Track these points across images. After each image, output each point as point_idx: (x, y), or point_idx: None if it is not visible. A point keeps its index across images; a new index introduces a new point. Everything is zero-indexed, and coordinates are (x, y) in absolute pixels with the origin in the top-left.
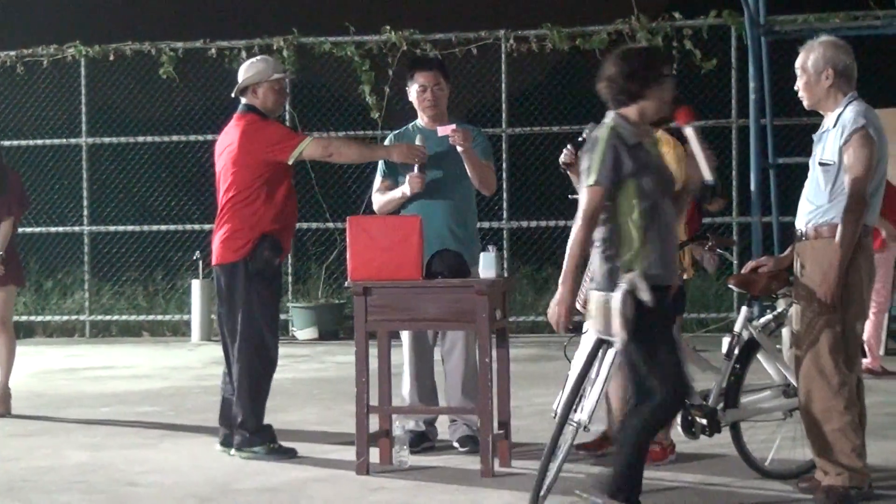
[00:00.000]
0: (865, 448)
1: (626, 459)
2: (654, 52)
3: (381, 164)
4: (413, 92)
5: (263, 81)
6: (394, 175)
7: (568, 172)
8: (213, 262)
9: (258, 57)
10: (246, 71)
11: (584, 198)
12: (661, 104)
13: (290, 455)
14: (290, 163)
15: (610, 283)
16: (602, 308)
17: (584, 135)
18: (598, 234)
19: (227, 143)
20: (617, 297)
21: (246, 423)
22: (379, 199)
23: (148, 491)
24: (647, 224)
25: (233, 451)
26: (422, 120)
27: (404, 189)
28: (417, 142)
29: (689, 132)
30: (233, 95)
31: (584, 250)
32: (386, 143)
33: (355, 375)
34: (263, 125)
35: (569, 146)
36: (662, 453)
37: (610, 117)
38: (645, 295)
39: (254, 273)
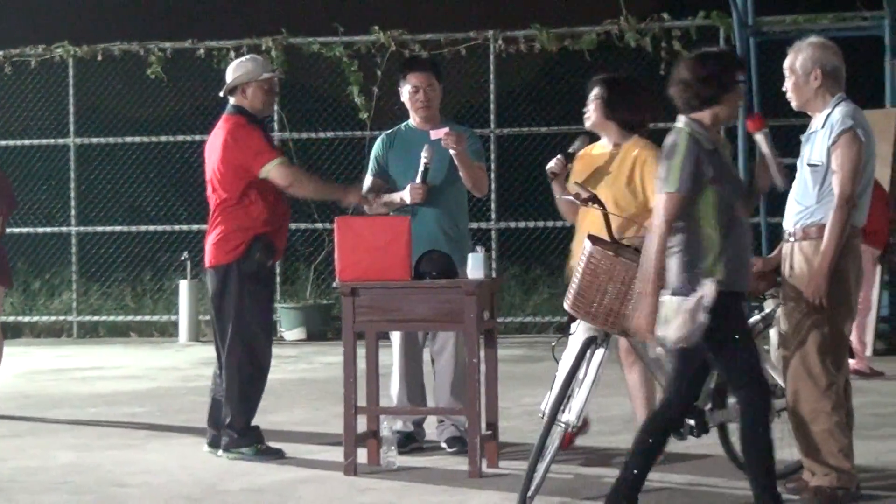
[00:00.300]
0: (853, 449)
1: (760, 468)
2: (729, 57)
3: (371, 163)
4: (405, 93)
5: (252, 81)
6: (383, 176)
7: (553, 183)
8: (206, 264)
9: (247, 56)
10: (234, 70)
11: (662, 205)
12: (734, 110)
13: (277, 456)
14: (260, 178)
15: (688, 289)
16: (679, 313)
17: (574, 147)
18: (676, 240)
19: (214, 145)
20: (693, 303)
21: (233, 425)
22: (372, 198)
23: (135, 491)
24: (726, 230)
25: (220, 452)
26: (414, 121)
27: (404, 196)
28: (424, 152)
29: (759, 138)
30: (221, 95)
31: (664, 257)
32: (377, 143)
33: (343, 376)
34: (247, 131)
35: (560, 156)
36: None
37: (683, 122)
38: (710, 302)
39: (246, 275)
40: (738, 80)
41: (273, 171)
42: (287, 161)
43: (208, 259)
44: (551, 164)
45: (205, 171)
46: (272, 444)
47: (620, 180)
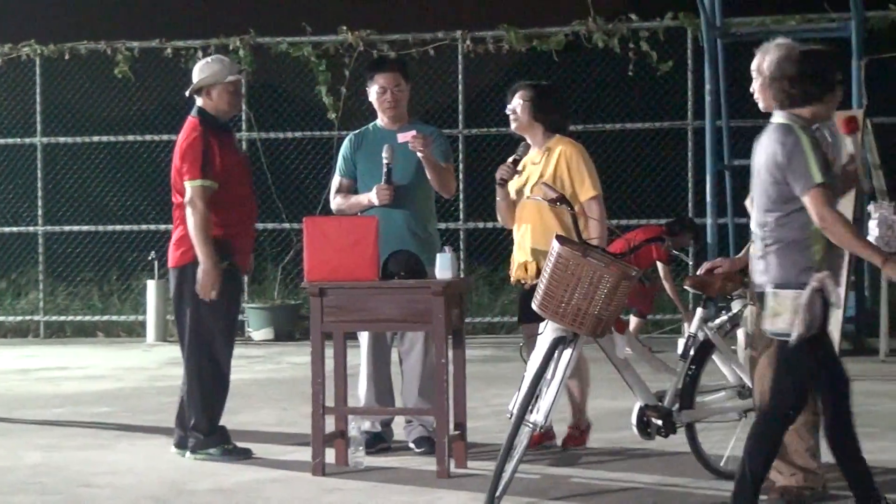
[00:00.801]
0: (820, 449)
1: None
2: (834, 55)
3: (339, 163)
4: (373, 93)
5: (217, 83)
6: (351, 176)
7: (499, 188)
8: (168, 264)
9: (213, 57)
10: (200, 71)
11: (818, 200)
12: (831, 110)
13: (245, 456)
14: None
15: (799, 283)
16: (793, 307)
17: (519, 152)
18: (789, 233)
19: (175, 146)
20: (809, 295)
21: (198, 426)
22: (340, 201)
23: (103, 492)
24: None
25: (187, 453)
26: (382, 121)
27: (371, 198)
28: (384, 152)
29: (850, 141)
30: (187, 95)
31: (862, 236)
32: (345, 143)
33: (311, 376)
34: (193, 138)
35: (509, 162)
36: (582, 438)
37: (788, 118)
38: (833, 295)
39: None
40: (839, 80)
41: (191, 189)
42: (207, 189)
43: (169, 260)
44: (502, 171)
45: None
46: (240, 444)
47: (546, 178)
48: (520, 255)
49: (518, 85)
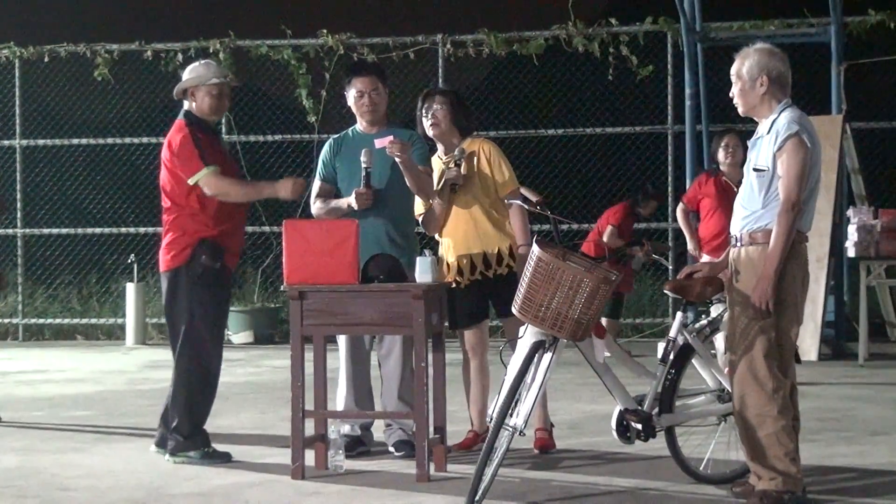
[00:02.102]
0: (799, 453)
1: None
2: None
3: (319, 167)
4: (351, 97)
5: (201, 86)
6: (332, 180)
7: (445, 193)
8: (160, 269)
9: (202, 61)
10: (187, 73)
11: None
12: None
13: (224, 459)
14: (191, 184)
15: None
16: None
17: (456, 156)
18: None
19: (163, 148)
20: None
21: (180, 428)
22: (320, 206)
23: (81, 495)
24: None
25: (167, 455)
26: (360, 125)
27: (350, 202)
28: (362, 156)
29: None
30: (174, 97)
31: None
32: (325, 147)
33: (291, 379)
34: (183, 137)
35: (457, 167)
36: (551, 441)
37: None
38: None
39: (194, 279)
40: None
41: (201, 180)
42: (216, 171)
43: (160, 264)
44: (454, 176)
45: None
46: (220, 448)
47: (473, 179)
48: (450, 255)
49: (430, 91)
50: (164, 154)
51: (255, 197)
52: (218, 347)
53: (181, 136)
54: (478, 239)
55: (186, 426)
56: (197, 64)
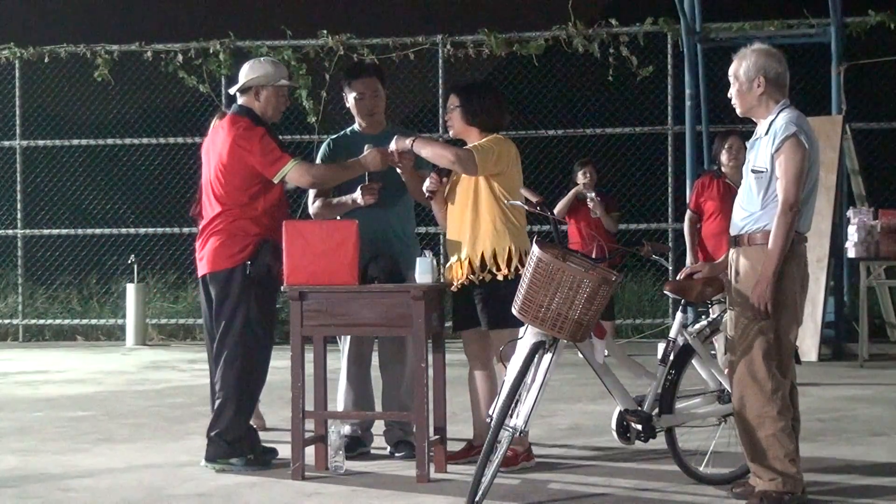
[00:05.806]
0: (799, 453)
1: None
2: None
3: None
4: (350, 99)
5: (269, 85)
6: None
7: (431, 202)
8: (202, 271)
9: (265, 58)
10: (251, 70)
11: None
12: None
13: (265, 466)
14: (276, 182)
15: None
16: None
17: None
18: None
19: (217, 146)
20: None
21: (226, 433)
22: (319, 205)
23: (81, 496)
24: None
25: (203, 461)
26: (359, 126)
27: (356, 198)
28: (365, 150)
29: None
30: (231, 93)
31: None
32: (323, 147)
33: (291, 380)
34: (256, 134)
35: (433, 174)
36: (514, 458)
37: None
38: None
39: (253, 279)
40: None
41: (291, 172)
42: (300, 161)
43: (207, 265)
44: (429, 185)
45: (201, 173)
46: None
47: (461, 184)
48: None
49: (450, 88)
50: (222, 154)
51: (346, 176)
52: (269, 349)
53: (257, 132)
54: (467, 243)
55: (234, 431)
56: (262, 61)
